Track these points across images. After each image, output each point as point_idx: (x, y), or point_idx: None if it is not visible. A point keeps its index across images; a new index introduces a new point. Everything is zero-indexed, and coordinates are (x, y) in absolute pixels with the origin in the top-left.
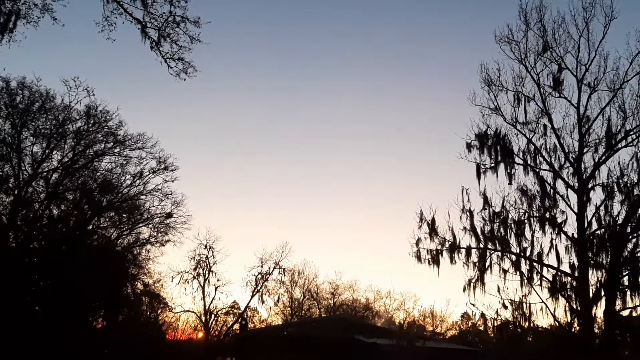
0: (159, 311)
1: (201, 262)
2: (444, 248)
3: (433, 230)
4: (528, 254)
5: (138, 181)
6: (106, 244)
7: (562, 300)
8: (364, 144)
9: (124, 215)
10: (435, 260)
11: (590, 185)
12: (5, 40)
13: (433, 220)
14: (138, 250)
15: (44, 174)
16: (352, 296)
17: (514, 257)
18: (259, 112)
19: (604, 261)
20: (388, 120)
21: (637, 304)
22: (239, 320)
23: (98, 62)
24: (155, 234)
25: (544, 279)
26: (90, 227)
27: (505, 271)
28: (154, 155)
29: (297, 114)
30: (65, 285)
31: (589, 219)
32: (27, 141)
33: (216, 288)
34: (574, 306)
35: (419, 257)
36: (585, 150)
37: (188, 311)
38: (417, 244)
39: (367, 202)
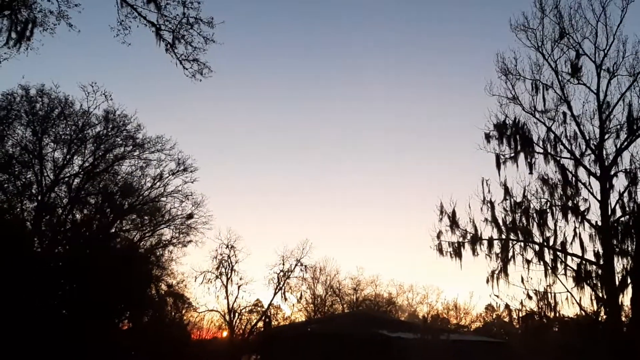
0: (183, 311)
1: (223, 261)
2: (466, 240)
3: (454, 223)
4: (551, 243)
5: (158, 183)
6: (129, 247)
7: (587, 289)
8: (382, 139)
9: (146, 218)
10: (457, 252)
11: (612, 172)
12: (23, 48)
13: (454, 212)
14: (161, 252)
15: (66, 179)
16: (374, 291)
17: (537, 247)
18: (277, 110)
19: (629, 248)
20: (406, 113)
21: None
22: (263, 318)
23: (113, 66)
24: (177, 235)
25: (568, 268)
26: (113, 230)
27: (528, 261)
28: (173, 157)
29: (316, 110)
30: (90, 288)
31: (612, 206)
32: (48, 147)
33: (239, 287)
34: (600, 295)
35: (440, 250)
36: (606, 136)
37: (212, 310)
38: (438, 237)
39: (387, 197)
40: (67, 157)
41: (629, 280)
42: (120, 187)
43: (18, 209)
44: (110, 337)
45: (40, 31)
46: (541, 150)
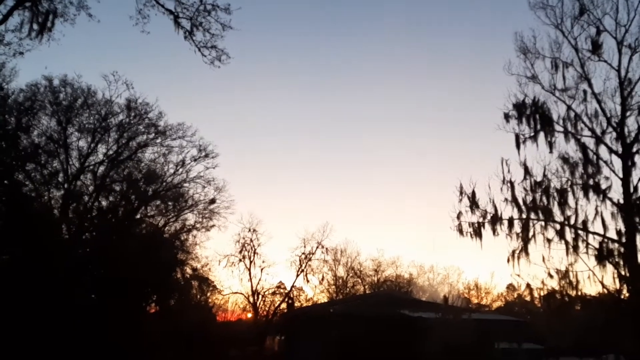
0: (208, 294)
1: (246, 245)
2: (486, 220)
3: (474, 203)
4: (572, 222)
5: (181, 169)
6: (154, 232)
7: (609, 268)
8: (401, 120)
9: (170, 203)
10: (477, 232)
11: (634, 150)
12: (44, 40)
13: (473, 193)
14: (185, 236)
15: (91, 167)
16: (395, 272)
17: (557, 226)
18: (296, 93)
19: None
20: (425, 94)
21: None
22: (286, 299)
23: (133, 55)
24: (200, 219)
25: (590, 246)
26: (138, 216)
27: (549, 240)
28: (194, 144)
29: (334, 92)
30: (117, 273)
31: (634, 183)
32: (73, 136)
33: (262, 269)
34: (623, 273)
35: (460, 231)
36: (628, 114)
37: (236, 293)
38: (458, 217)
39: (407, 178)
40: (92, 145)
41: None
42: (144, 174)
43: (45, 198)
44: (137, 320)
45: (61, 22)
46: (561, 129)
